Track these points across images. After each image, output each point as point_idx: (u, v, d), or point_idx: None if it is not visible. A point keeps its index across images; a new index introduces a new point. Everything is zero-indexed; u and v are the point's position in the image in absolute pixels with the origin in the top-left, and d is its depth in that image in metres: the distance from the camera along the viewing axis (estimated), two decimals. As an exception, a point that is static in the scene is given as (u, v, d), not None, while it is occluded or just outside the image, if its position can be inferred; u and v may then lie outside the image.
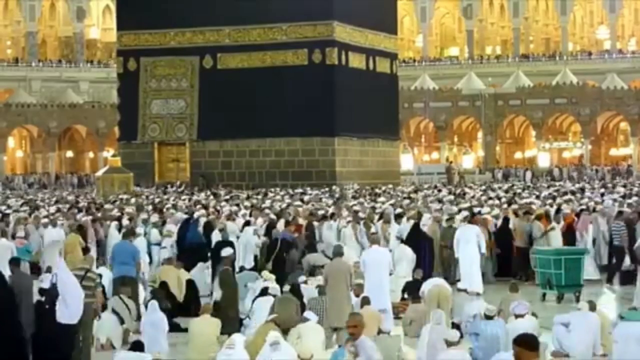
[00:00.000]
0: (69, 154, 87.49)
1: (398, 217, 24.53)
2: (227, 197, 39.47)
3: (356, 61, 57.44)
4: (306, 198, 36.97)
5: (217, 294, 16.95)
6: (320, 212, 27.48)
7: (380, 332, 14.81)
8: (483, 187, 46.29)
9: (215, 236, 23.06)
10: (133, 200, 37.96)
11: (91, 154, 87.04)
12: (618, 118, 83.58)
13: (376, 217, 25.96)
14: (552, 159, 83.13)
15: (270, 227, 23.71)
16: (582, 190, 40.28)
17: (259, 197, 39.47)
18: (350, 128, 55.74)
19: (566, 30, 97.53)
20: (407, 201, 32.97)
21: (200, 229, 24.02)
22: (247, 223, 24.88)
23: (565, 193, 36.76)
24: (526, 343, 7.95)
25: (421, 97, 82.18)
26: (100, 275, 16.39)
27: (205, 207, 30.47)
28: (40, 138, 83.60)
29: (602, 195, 35.26)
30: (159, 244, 23.87)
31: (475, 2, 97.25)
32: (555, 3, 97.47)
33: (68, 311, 14.14)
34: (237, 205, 32.11)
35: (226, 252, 17.38)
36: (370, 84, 57.48)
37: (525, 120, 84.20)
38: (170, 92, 57.08)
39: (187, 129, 56.82)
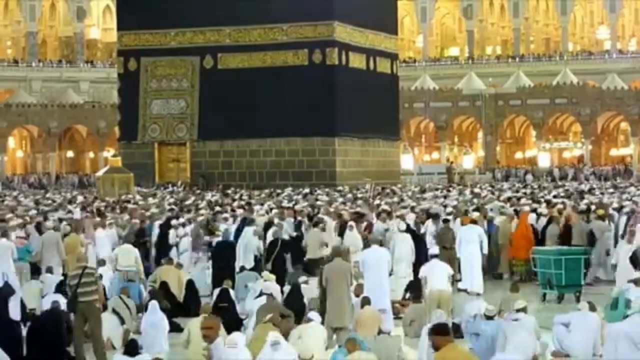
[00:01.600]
0: (70, 154, 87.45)
1: (436, 217, 24.44)
2: (245, 197, 39.13)
3: (356, 61, 57.46)
4: (325, 198, 36.66)
5: (316, 292, 16.92)
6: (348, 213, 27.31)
7: (380, 332, 14.82)
8: (490, 188, 46.34)
9: (314, 235, 23.08)
10: (152, 200, 37.87)
11: (91, 154, 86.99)
12: (618, 118, 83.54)
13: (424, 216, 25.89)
14: (552, 159, 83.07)
15: (343, 228, 23.53)
16: (591, 190, 40.29)
17: (275, 197, 39.38)
18: (351, 128, 55.75)
19: (566, 30, 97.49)
20: (454, 201, 32.98)
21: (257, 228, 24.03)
22: (300, 223, 24.86)
23: (580, 193, 36.92)
24: (438, 331, 9.01)
25: (421, 97, 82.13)
26: (100, 276, 16.37)
27: (243, 207, 30.11)
28: (41, 138, 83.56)
29: (613, 194, 35.32)
30: (205, 245, 23.79)
31: (475, 3, 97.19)
32: (555, 3, 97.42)
33: (17, 309, 14.34)
34: (261, 204, 32.08)
35: (327, 251, 17.29)
36: (370, 84, 57.52)
37: (525, 120, 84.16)
38: (171, 92, 57.11)
39: (188, 129, 56.84)
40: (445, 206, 29.30)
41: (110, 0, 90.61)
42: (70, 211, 30.82)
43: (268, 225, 23.93)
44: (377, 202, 33.11)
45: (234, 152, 56.26)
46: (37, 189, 69.04)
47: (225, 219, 25.80)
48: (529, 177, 72.30)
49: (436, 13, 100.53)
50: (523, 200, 31.11)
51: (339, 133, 55.36)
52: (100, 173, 53.43)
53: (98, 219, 25.42)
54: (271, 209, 28.90)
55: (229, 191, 45.58)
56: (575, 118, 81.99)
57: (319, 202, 33.27)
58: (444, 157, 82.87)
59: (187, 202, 35.30)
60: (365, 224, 24.60)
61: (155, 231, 24.59)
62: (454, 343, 9.21)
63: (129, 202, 37.01)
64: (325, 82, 54.34)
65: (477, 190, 42.41)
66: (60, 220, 26.21)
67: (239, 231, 23.53)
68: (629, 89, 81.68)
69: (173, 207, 32.19)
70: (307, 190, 44.68)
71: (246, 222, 24.15)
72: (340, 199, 35.82)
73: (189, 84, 56.94)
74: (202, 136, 56.37)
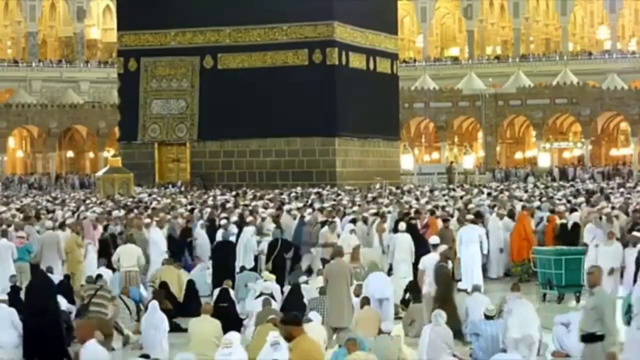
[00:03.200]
0: (70, 154, 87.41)
1: (480, 217, 24.30)
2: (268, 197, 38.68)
3: (357, 61, 57.44)
4: (346, 198, 36.35)
5: (432, 289, 16.80)
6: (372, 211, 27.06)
7: (380, 332, 14.82)
8: (500, 187, 46.30)
9: (322, 235, 22.98)
10: (165, 200, 37.69)
11: (91, 154, 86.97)
12: (618, 118, 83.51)
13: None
14: (552, 159, 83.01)
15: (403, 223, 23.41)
16: (602, 190, 40.24)
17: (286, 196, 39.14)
18: (351, 128, 55.76)
19: (566, 31, 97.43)
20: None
21: (309, 227, 23.88)
22: (354, 221, 24.55)
23: (593, 192, 36.84)
24: (292, 321, 9.52)
25: (421, 97, 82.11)
26: (113, 297, 16.32)
27: (279, 207, 29.88)
28: (41, 138, 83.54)
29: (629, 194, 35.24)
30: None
31: (475, 2, 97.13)
32: (555, 3, 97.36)
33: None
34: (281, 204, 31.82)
35: (442, 248, 17.13)
36: (370, 84, 57.50)
37: (525, 120, 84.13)
38: (171, 92, 57.09)
39: (188, 129, 56.83)
40: (492, 206, 29.06)
41: (110, 0, 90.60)
42: (110, 210, 30.64)
43: (323, 224, 23.85)
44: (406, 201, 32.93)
45: (234, 152, 56.25)
46: (37, 189, 68.98)
47: (264, 219, 25.64)
48: (530, 178, 72.10)
49: (436, 13, 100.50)
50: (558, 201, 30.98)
51: (339, 133, 55.35)
52: (100, 173, 53.40)
53: (148, 219, 25.08)
54: (298, 208, 28.81)
55: (239, 191, 45.41)
56: (575, 118, 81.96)
57: (343, 202, 33.12)
58: (444, 157, 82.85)
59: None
60: (424, 222, 24.45)
61: (199, 231, 24.43)
62: (306, 334, 9.64)
63: (141, 202, 36.95)
64: (325, 82, 54.32)
65: (486, 190, 42.06)
66: (100, 216, 26.17)
67: (298, 231, 23.56)
68: (629, 89, 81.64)
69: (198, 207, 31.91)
70: (316, 190, 44.40)
71: (303, 221, 24.14)
72: (358, 199, 35.46)
73: (189, 84, 56.93)
74: (202, 136, 56.35)
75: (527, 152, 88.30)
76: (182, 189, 52.28)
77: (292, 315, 9.76)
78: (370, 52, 58.86)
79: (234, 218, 25.38)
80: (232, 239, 22.44)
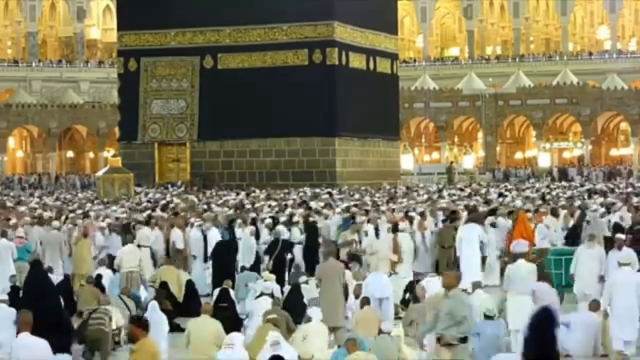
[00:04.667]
0: (70, 154, 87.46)
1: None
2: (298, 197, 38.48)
3: (357, 61, 57.46)
4: (367, 199, 36.15)
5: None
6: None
7: (380, 332, 14.81)
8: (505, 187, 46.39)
9: (342, 235, 22.93)
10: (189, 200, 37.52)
11: (91, 154, 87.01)
12: (618, 118, 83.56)
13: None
14: (552, 159, 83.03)
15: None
16: (612, 190, 40.16)
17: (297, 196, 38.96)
18: (351, 128, 55.78)
19: (566, 31, 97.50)
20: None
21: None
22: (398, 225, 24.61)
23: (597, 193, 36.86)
24: (138, 323, 9.56)
25: (421, 97, 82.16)
26: (110, 318, 16.15)
27: (308, 207, 29.68)
28: (41, 138, 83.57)
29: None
30: (301, 243, 23.45)
31: (475, 2, 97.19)
32: (555, 3, 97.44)
33: None
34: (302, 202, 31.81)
35: (540, 244, 16.98)
36: (370, 84, 57.52)
37: (525, 120, 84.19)
38: (171, 92, 57.10)
39: (188, 129, 56.84)
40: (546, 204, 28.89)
41: (110, 0, 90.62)
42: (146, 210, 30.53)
43: (394, 229, 23.81)
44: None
45: (234, 152, 56.27)
46: (36, 189, 68.90)
47: (293, 221, 25.54)
48: (532, 180, 71.96)
49: (436, 13, 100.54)
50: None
51: (339, 133, 55.37)
52: (100, 173, 53.36)
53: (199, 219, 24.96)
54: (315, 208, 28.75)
55: (247, 191, 45.38)
56: (575, 118, 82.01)
57: (367, 201, 33.06)
58: (444, 157, 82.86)
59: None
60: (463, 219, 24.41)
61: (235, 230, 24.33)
62: (149, 337, 9.68)
63: (150, 202, 36.83)
64: (325, 82, 54.35)
65: (496, 190, 41.89)
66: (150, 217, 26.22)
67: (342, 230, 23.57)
68: (629, 89, 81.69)
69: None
70: (327, 190, 44.29)
71: (354, 222, 24.06)
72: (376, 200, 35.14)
73: (189, 84, 56.94)
74: (202, 136, 56.37)
75: (527, 152, 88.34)
76: (183, 188, 52.26)
77: (138, 317, 9.92)
78: (370, 52, 58.88)
79: (283, 218, 25.29)
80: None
